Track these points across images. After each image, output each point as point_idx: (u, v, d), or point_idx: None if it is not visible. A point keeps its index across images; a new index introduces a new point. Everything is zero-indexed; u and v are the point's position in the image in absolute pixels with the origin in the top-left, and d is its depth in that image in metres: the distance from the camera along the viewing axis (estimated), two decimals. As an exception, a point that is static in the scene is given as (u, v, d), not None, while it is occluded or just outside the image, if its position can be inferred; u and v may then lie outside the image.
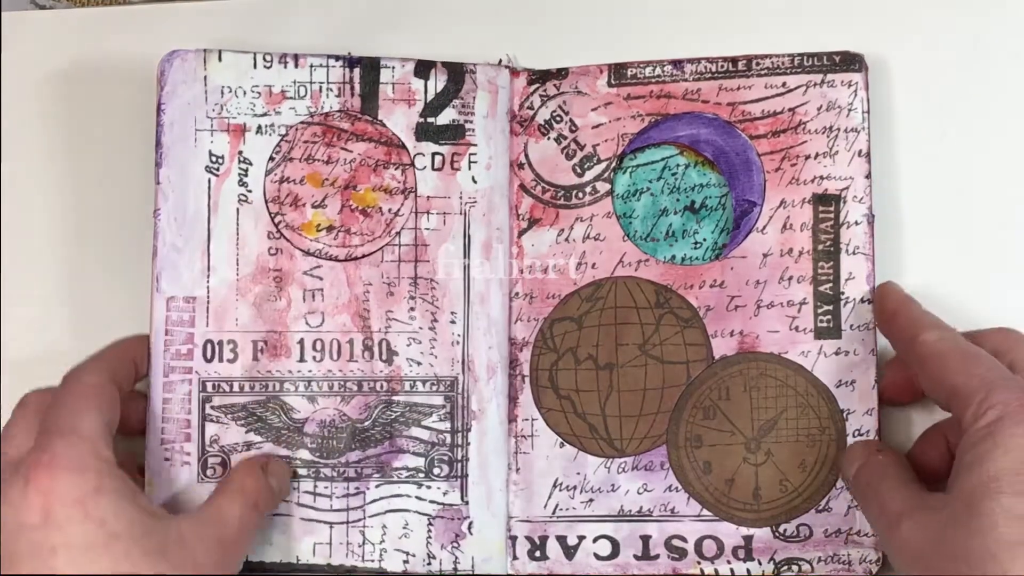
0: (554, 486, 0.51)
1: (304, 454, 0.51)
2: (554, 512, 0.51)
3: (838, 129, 0.50)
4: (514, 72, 0.54)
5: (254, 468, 0.49)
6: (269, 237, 0.52)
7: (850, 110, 0.50)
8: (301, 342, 0.51)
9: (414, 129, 0.53)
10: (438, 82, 0.53)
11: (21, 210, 0.55)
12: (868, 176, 0.50)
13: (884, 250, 0.51)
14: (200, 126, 0.52)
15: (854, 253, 0.50)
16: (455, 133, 0.53)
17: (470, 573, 0.51)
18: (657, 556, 0.50)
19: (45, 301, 0.55)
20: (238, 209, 0.52)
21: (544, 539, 0.51)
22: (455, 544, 0.51)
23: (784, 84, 0.51)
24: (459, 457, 0.51)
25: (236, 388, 0.51)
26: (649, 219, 0.53)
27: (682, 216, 0.53)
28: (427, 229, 0.52)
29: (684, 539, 0.50)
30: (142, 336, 0.51)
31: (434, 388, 0.52)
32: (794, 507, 0.49)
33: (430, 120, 0.53)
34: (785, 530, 0.49)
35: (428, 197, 0.52)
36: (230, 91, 0.52)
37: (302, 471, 0.51)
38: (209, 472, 0.51)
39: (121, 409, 0.47)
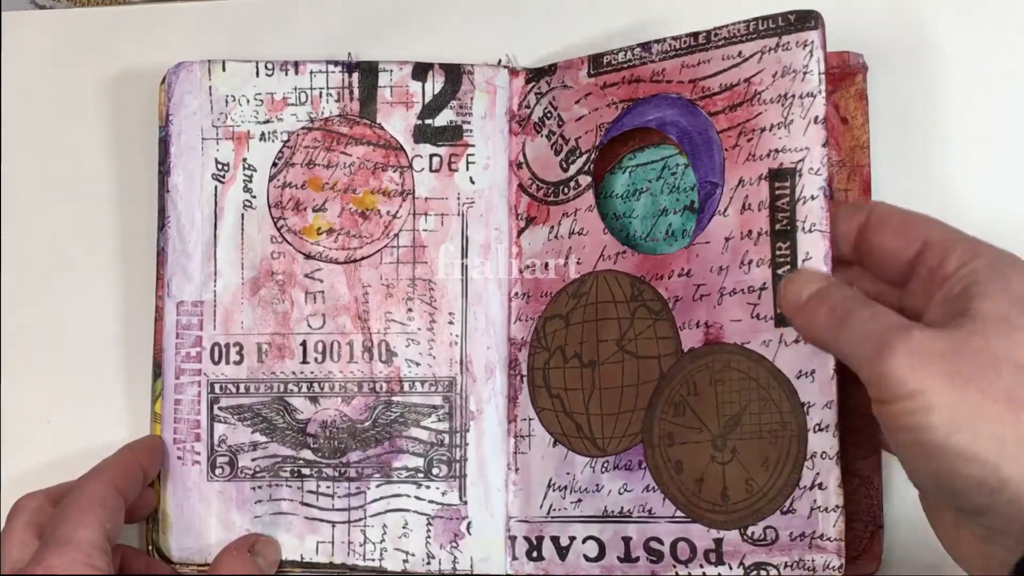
0: (548, 486, 0.50)
1: (307, 454, 0.52)
2: (548, 512, 0.50)
3: (793, 96, 0.46)
4: (513, 72, 0.54)
5: (242, 553, 0.50)
6: (272, 241, 0.53)
7: (805, 73, 0.46)
8: (304, 343, 0.52)
9: (412, 131, 0.53)
10: (435, 84, 0.53)
11: (21, 210, 0.57)
12: (824, 145, 0.46)
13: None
14: (206, 135, 0.53)
15: (810, 231, 0.45)
16: (452, 134, 0.53)
17: (469, 573, 0.51)
18: (637, 559, 0.48)
19: (45, 304, 0.56)
20: (243, 215, 0.53)
21: (540, 539, 0.50)
22: (454, 544, 0.51)
23: (740, 53, 0.48)
24: (457, 457, 0.52)
25: (242, 389, 0.52)
26: (649, 219, 0.52)
27: (682, 216, 0.51)
28: (425, 230, 0.53)
29: (661, 541, 0.48)
30: (152, 438, 0.52)
31: (432, 389, 0.52)
32: (759, 508, 0.46)
33: (428, 122, 0.53)
34: (753, 533, 0.46)
35: (426, 198, 0.53)
36: (234, 99, 0.53)
37: (305, 471, 0.52)
38: (218, 471, 0.52)
39: (132, 503, 0.49)
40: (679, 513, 0.47)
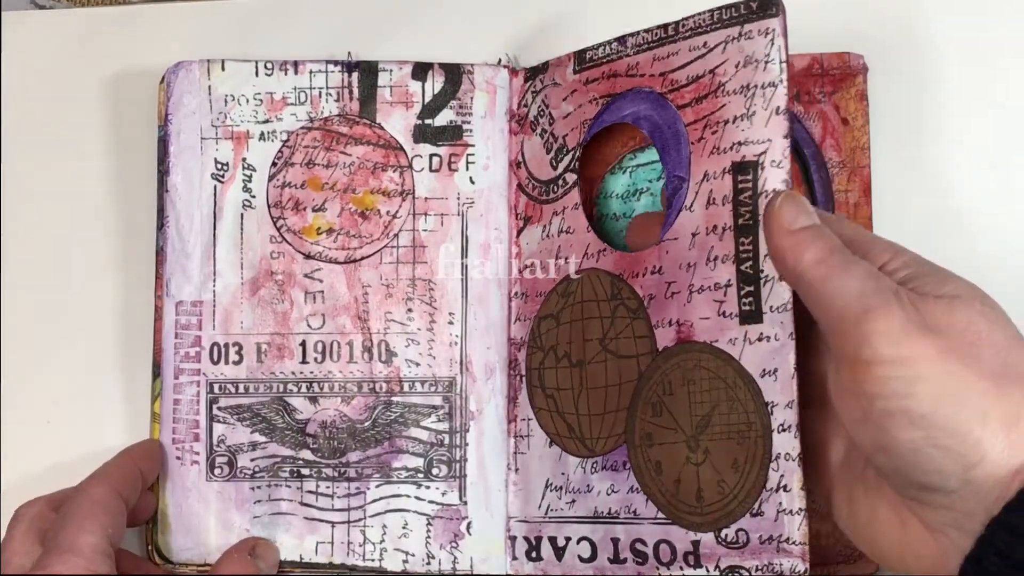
0: (546, 486, 0.50)
1: (306, 454, 0.52)
2: (546, 513, 0.50)
3: (755, 86, 0.44)
4: (513, 71, 0.54)
5: (243, 556, 0.50)
6: (272, 241, 0.53)
7: (767, 62, 0.44)
8: (303, 344, 0.52)
9: (412, 131, 0.53)
10: (435, 84, 0.53)
11: (21, 210, 0.57)
12: (787, 136, 0.44)
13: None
14: (206, 134, 0.53)
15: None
16: (452, 134, 0.53)
17: (469, 573, 0.51)
18: (625, 560, 0.47)
19: (44, 304, 0.56)
20: (242, 214, 0.53)
21: (539, 540, 0.50)
22: (454, 544, 0.51)
23: (705, 44, 0.46)
24: (457, 457, 0.52)
25: (242, 389, 0.52)
26: (649, 218, 0.52)
27: (682, 215, 0.52)
28: (425, 230, 0.53)
29: (645, 543, 0.47)
30: (151, 443, 0.52)
31: (432, 389, 0.52)
32: (731, 511, 0.44)
33: (427, 122, 0.53)
34: (727, 535, 0.44)
35: (425, 198, 0.53)
36: (233, 99, 0.53)
37: (305, 471, 0.52)
38: (217, 471, 0.52)
39: (132, 507, 0.49)
40: (660, 515, 0.46)
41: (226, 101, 0.53)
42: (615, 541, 0.48)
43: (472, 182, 0.53)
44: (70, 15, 0.59)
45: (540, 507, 0.50)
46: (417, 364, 0.52)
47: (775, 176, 0.44)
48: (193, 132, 0.53)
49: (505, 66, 0.54)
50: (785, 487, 0.43)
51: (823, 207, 0.50)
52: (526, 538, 0.51)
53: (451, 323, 0.52)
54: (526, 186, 0.52)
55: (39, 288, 0.56)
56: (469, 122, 0.53)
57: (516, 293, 0.52)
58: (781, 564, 0.43)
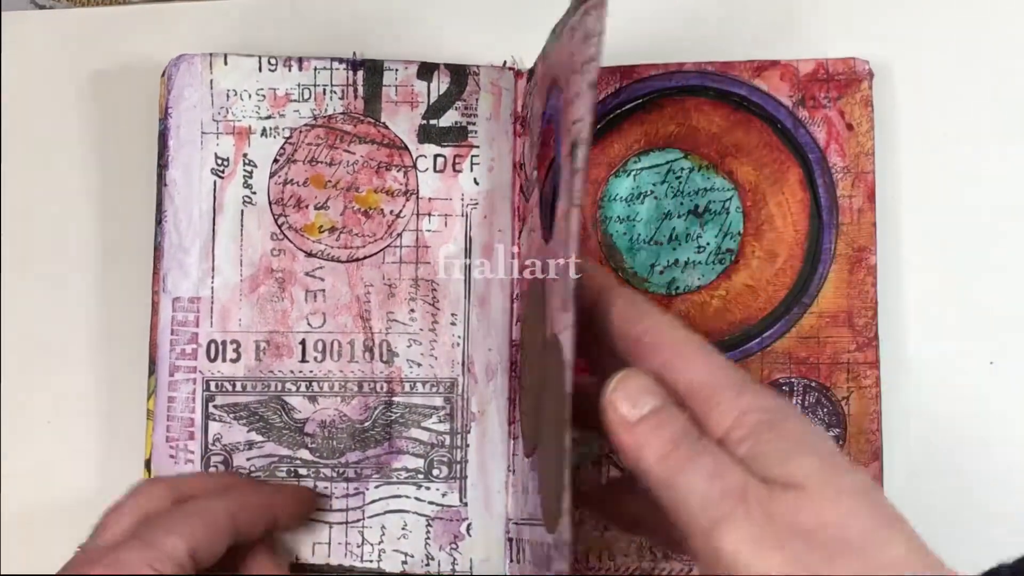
0: (522, 488, 0.49)
1: (304, 454, 0.51)
2: (522, 514, 0.49)
3: (585, 63, 0.40)
4: (518, 74, 0.54)
5: (269, 556, 0.48)
6: (272, 238, 0.52)
7: (594, 37, 0.40)
8: (303, 342, 0.52)
9: (416, 131, 0.53)
10: (441, 84, 0.53)
11: (21, 209, 0.56)
12: (593, 112, 0.39)
13: (886, 252, 0.50)
14: (206, 129, 0.53)
15: (574, 205, 0.39)
16: (457, 135, 0.53)
17: (468, 574, 0.51)
18: (531, 563, 0.46)
19: (43, 301, 0.55)
20: (242, 211, 0.52)
21: (520, 541, 0.49)
22: (453, 545, 0.51)
23: (572, 27, 0.43)
24: (458, 459, 0.51)
25: (239, 388, 0.52)
26: (653, 223, 0.52)
27: (686, 220, 0.52)
28: (428, 231, 0.52)
29: (534, 546, 0.45)
30: (302, 491, 0.50)
31: (434, 389, 0.52)
32: (552, 511, 0.40)
33: (432, 122, 0.53)
34: (552, 539, 0.40)
35: (429, 199, 0.52)
36: (235, 94, 0.53)
37: (303, 471, 0.51)
38: (212, 471, 0.51)
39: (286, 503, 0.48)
40: (538, 516, 0.43)
41: (228, 96, 0.53)
42: (531, 544, 0.46)
43: (476, 183, 0.53)
44: (70, 15, 0.58)
45: (521, 509, 0.50)
46: (419, 364, 0.52)
47: (580, 155, 0.39)
48: (193, 126, 0.53)
49: (510, 68, 0.54)
50: (565, 486, 0.38)
51: (827, 212, 0.51)
52: (517, 540, 0.50)
53: (453, 324, 0.52)
54: (524, 187, 0.52)
55: (37, 286, 0.55)
56: (474, 123, 0.53)
57: (517, 295, 0.52)
58: (560, 568, 0.38)
